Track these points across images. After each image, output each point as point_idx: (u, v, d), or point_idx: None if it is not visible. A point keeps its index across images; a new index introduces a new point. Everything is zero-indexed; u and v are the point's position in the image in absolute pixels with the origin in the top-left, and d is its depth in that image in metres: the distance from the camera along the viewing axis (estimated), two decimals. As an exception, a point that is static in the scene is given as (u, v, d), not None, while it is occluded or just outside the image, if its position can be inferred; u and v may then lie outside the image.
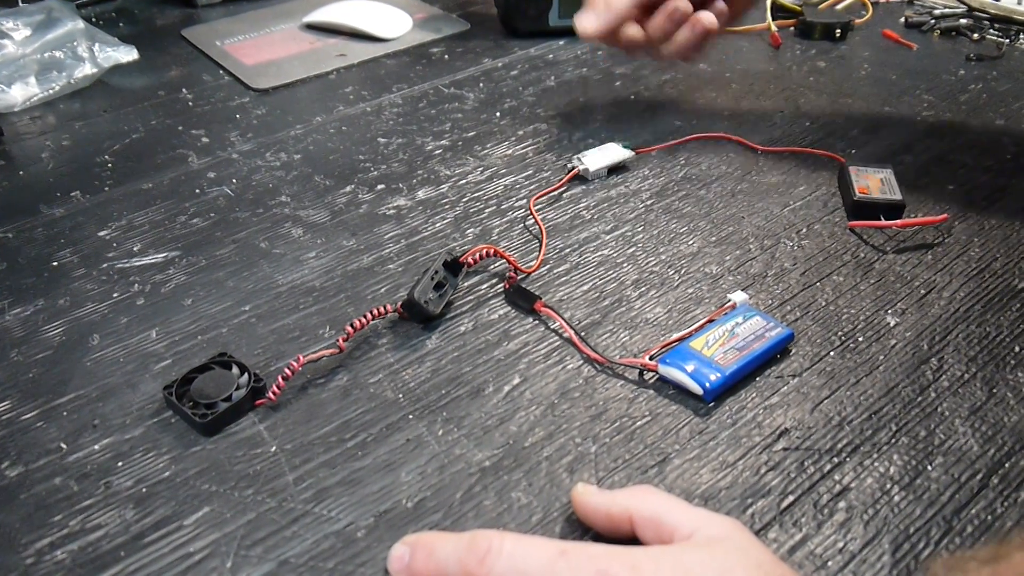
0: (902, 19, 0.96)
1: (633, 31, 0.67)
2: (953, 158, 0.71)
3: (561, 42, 0.91)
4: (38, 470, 0.45)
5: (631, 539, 0.40)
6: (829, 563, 0.41)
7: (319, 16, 0.94)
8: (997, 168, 0.70)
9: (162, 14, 0.99)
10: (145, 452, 0.46)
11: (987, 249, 0.61)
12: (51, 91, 0.79)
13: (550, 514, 0.43)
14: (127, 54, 0.84)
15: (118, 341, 0.53)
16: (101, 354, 0.52)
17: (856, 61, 0.88)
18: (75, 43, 0.82)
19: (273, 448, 0.46)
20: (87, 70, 0.81)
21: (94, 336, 0.53)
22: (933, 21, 0.94)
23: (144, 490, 0.44)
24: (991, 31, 0.93)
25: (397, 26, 0.93)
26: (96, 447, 0.46)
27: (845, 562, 0.41)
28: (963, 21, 0.94)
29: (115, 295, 0.57)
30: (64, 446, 0.46)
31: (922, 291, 0.57)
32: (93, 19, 0.95)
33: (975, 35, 0.92)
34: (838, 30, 0.91)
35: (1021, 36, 0.92)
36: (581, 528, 0.42)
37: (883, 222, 0.62)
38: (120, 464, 0.45)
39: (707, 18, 0.67)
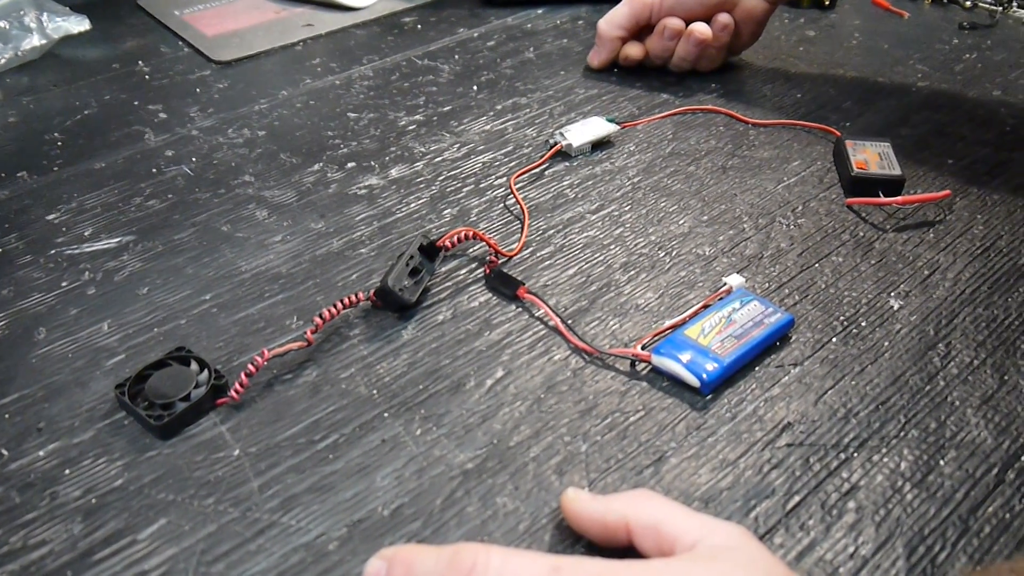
0: (892, -13, 0.93)
1: (633, 51, 0.74)
2: (951, 131, 0.68)
3: (540, 11, 0.87)
4: (-24, 480, 0.41)
5: (628, 548, 0.36)
6: (840, 569, 0.38)
7: (284, -16, 0.89)
8: (996, 141, 0.67)
9: (117, -18, 0.93)
10: (95, 458, 0.42)
11: (991, 227, 0.58)
12: (-4, 64, 0.74)
13: (538, 521, 0.39)
14: (78, 24, 0.79)
15: (67, 335, 0.49)
16: (48, 349, 0.48)
17: (846, 30, 0.84)
18: (22, 12, 0.76)
19: (236, 452, 0.42)
20: (35, 41, 0.76)
21: (40, 329, 0.49)
22: (924, -11, 0.91)
23: (94, 501, 0.40)
24: (983, -1, 0.90)
25: (367, -6, 0.88)
26: (41, 453, 0.42)
27: (857, 568, 0.38)
28: (955, -12, 0.90)
29: (64, 284, 0.52)
30: (5, 452, 0.42)
31: (925, 272, 0.54)
32: (43, -13, 0.89)
33: (967, 3, 0.89)
34: (827, -2, 0.88)
35: (1014, 4, 0.89)
36: (572, 536, 0.39)
37: (882, 199, 0.59)
38: (67, 472, 0.41)
39: (700, 30, 0.71)
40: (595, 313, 0.51)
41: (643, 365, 0.47)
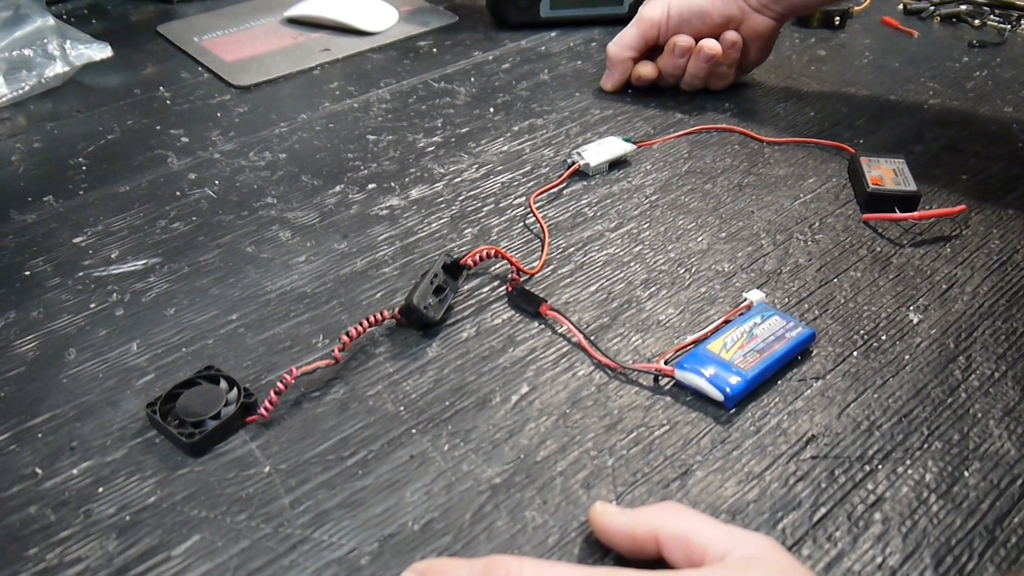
0: (900, 6, 0.94)
1: (646, 70, 0.75)
2: (964, 147, 0.69)
3: (553, 33, 0.88)
4: (11, 498, 0.41)
5: (657, 561, 0.37)
6: (868, 580, 0.38)
7: (301, 10, 0.90)
8: (1009, 157, 0.68)
9: (137, 9, 0.95)
10: (128, 476, 0.42)
11: (1007, 241, 0.58)
12: (21, 91, 0.76)
13: (567, 534, 0.40)
14: (100, 51, 0.80)
15: (96, 355, 0.49)
16: (78, 370, 0.48)
17: (857, 49, 0.85)
18: (45, 40, 0.78)
19: (267, 468, 0.43)
20: (58, 68, 0.77)
21: (70, 350, 0.50)
22: (932, 8, 0.92)
23: (127, 518, 0.40)
24: (991, 17, 0.90)
25: (382, 19, 0.89)
26: (74, 472, 0.43)
27: (885, 579, 0.38)
28: (963, 7, 0.91)
29: (92, 306, 0.53)
30: (39, 471, 0.43)
31: (943, 286, 0.54)
32: (64, 15, 0.91)
33: (976, 21, 0.90)
34: (837, 17, 0.89)
35: (1022, 22, 0.90)
36: (601, 550, 0.39)
37: (899, 214, 0.59)
38: (101, 490, 0.42)
39: (709, 45, 0.72)
40: (617, 329, 0.51)
41: (667, 380, 0.48)
